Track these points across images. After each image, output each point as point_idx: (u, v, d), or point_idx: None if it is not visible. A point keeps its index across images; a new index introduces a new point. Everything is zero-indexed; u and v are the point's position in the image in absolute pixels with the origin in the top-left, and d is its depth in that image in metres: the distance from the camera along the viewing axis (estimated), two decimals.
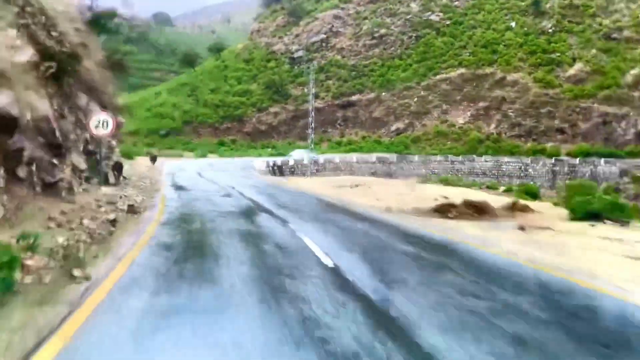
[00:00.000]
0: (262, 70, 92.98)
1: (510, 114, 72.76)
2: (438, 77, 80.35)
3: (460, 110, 76.87)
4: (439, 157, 64.34)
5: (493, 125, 73.38)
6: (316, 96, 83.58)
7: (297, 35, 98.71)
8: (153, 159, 41.00)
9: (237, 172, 40.62)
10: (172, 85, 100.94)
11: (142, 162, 46.84)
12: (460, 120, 75.46)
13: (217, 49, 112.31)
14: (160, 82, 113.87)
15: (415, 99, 79.38)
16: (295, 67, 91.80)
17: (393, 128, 78.34)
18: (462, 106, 77.00)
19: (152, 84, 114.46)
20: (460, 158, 64.01)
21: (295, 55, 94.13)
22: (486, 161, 63.34)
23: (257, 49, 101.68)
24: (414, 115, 78.26)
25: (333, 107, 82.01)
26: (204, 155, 69.12)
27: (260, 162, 49.50)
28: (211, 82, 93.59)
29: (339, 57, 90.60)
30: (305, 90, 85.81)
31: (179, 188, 23.03)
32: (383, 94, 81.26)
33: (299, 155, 62.41)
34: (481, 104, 75.40)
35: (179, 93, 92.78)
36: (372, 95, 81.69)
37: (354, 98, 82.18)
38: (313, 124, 58.17)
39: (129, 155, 44.25)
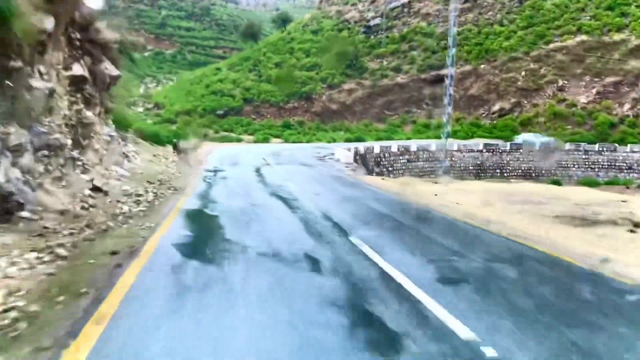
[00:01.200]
0: (333, 42, 77.69)
1: None
2: (552, 45, 62.64)
3: (581, 86, 59.18)
4: (567, 146, 47.52)
5: (627, 106, 55.43)
6: (397, 69, 67.83)
7: (373, 1, 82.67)
8: (176, 148, 26.80)
9: (318, 167, 25.81)
10: (233, 61, 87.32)
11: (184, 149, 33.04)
12: (583, 99, 57.82)
13: (282, 21, 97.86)
14: (223, 60, 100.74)
15: (523, 73, 62.13)
16: (372, 37, 75.93)
17: (495, 108, 61.55)
18: (584, 81, 59.23)
19: (214, 61, 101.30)
20: (596, 147, 46.96)
21: (372, 23, 78.18)
22: (633, 151, 46.07)
23: (327, 18, 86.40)
24: (521, 93, 61.14)
25: (419, 83, 65.86)
26: (266, 140, 54.97)
27: (341, 150, 34.60)
28: (275, 56, 79.17)
29: (423, 23, 74.04)
30: (385, 62, 70.04)
31: (203, 234, 8.58)
32: (482, 66, 64.40)
33: (530, 139, 48.92)
34: (610, 79, 57.48)
35: (240, 68, 78.97)
36: (467, 68, 64.97)
37: (444, 71, 65.63)
38: (450, 94, 43.19)
39: (157, 139, 30.11)
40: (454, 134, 57.83)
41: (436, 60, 67.01)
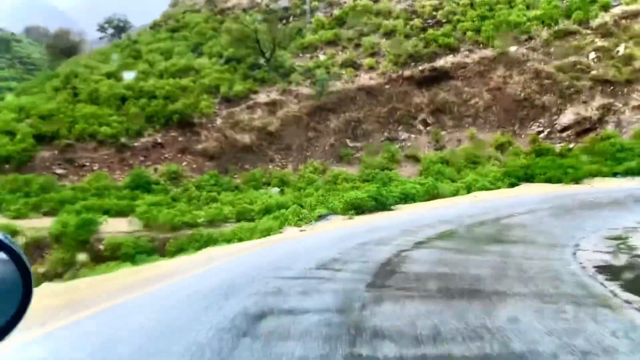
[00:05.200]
0: (212, 37, 42.37)
1: None
2: (617, 10, 34.35)
3: None
4: None
5: None
6: (354, 65, 34.78)
7: None
8: None
9: None
10: (28, 84, 47.65)
11: None
12: None
13: (114, 29, 60.38)
14: None
15: (593, 55, 32.65)
16: (282, 25, 41.86)
17: (565, 119, 30.54)
18: None
19: None
20: None
21: (278, 5, 44.56)
22: None
23: (192, 12, 50.95)
24: (605, 89, 31.32)
25: (401, 85, 33.12)
26: (82, 241, 17.42)
27: None
28: (106, 65, 41.31)
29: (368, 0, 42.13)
30: (322, 57, 36.58)
31: None
32: (513, 49, 33.64)
33: None
34: None
35: (39, 90, 39.61)
36: (486, 52, 33.75)
37: (442, 63, 33.83)
38: None
39: None
40: (510, 175, 25.57)
41: (418, 47, 35.02)
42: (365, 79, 32.72)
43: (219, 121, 30.57)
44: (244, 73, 34.81)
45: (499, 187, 23.20)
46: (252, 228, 16.21)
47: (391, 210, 17.26)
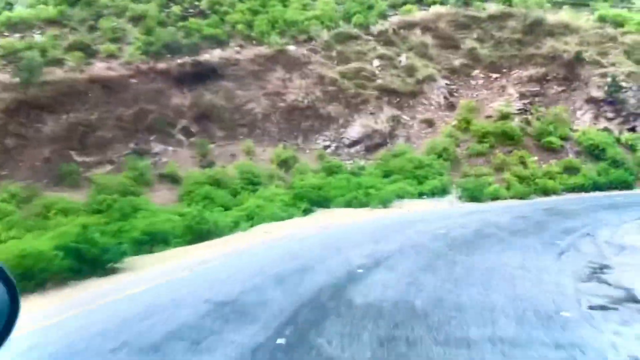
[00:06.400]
0: None
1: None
2: (396, 19, 31.81)
3: (479, 86, 30.04)
4: None
5: (586, 114, 28.77)
6: (86, 50, 25.14)
7: None
8: None
9: None
10: None
11: None
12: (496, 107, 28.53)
13: None
14: None
15: (377, 63, 28.89)
16: None
17: (354, 132, 25.71)
18: (479, 78, 30.27)
19: None
20: None
21: None
22: None
23: None
24: (390, 100, 27.54)
25: (154, 80, 24.61)
26: None
27: None
28: None
29: None
30: (37, 35, 25.99)
31: None
32: (291, 48, 27.89)
33: None
34: (527, 71, 30.11)
35: None
36: (262, 49, 27.37)
37: (208, 57, 26.37)
38: None
39: None
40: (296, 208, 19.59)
41: (175, 36, 27.17)
42: (101, 68, 23.31)
43: None
44: None
45: (292, 216, 16.60)
46: None
47: (115, 272, 8.89)
